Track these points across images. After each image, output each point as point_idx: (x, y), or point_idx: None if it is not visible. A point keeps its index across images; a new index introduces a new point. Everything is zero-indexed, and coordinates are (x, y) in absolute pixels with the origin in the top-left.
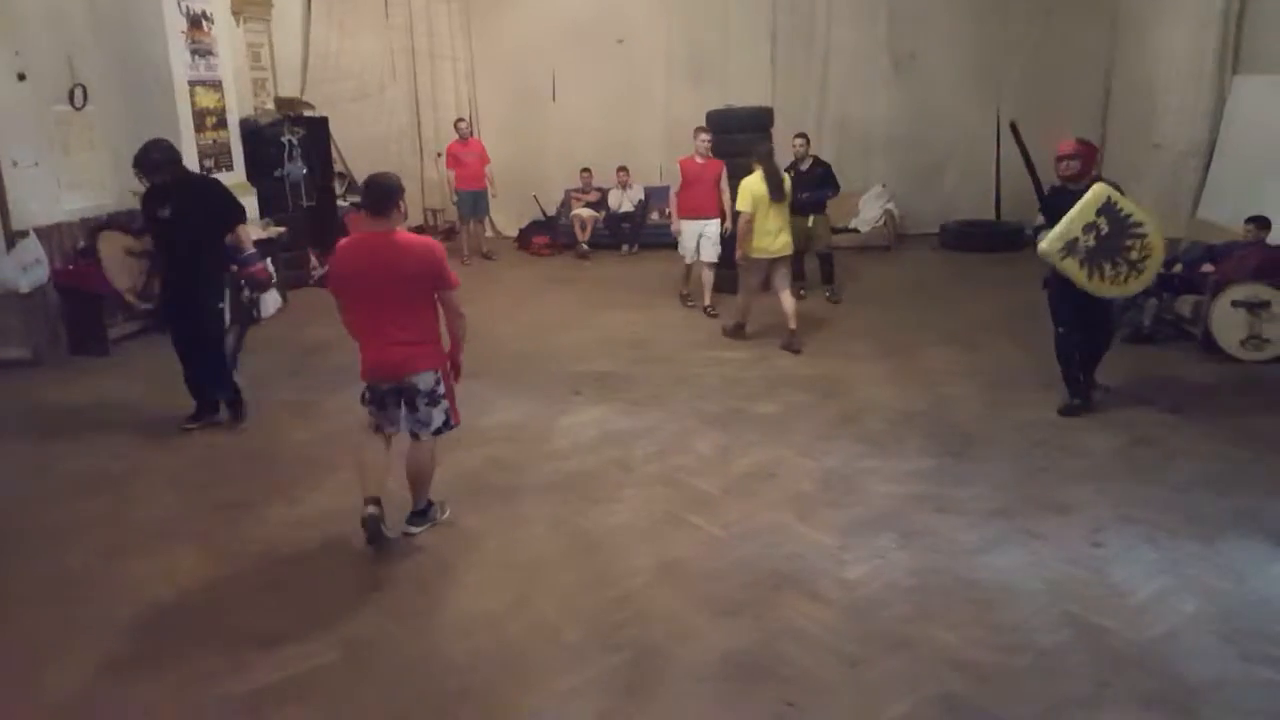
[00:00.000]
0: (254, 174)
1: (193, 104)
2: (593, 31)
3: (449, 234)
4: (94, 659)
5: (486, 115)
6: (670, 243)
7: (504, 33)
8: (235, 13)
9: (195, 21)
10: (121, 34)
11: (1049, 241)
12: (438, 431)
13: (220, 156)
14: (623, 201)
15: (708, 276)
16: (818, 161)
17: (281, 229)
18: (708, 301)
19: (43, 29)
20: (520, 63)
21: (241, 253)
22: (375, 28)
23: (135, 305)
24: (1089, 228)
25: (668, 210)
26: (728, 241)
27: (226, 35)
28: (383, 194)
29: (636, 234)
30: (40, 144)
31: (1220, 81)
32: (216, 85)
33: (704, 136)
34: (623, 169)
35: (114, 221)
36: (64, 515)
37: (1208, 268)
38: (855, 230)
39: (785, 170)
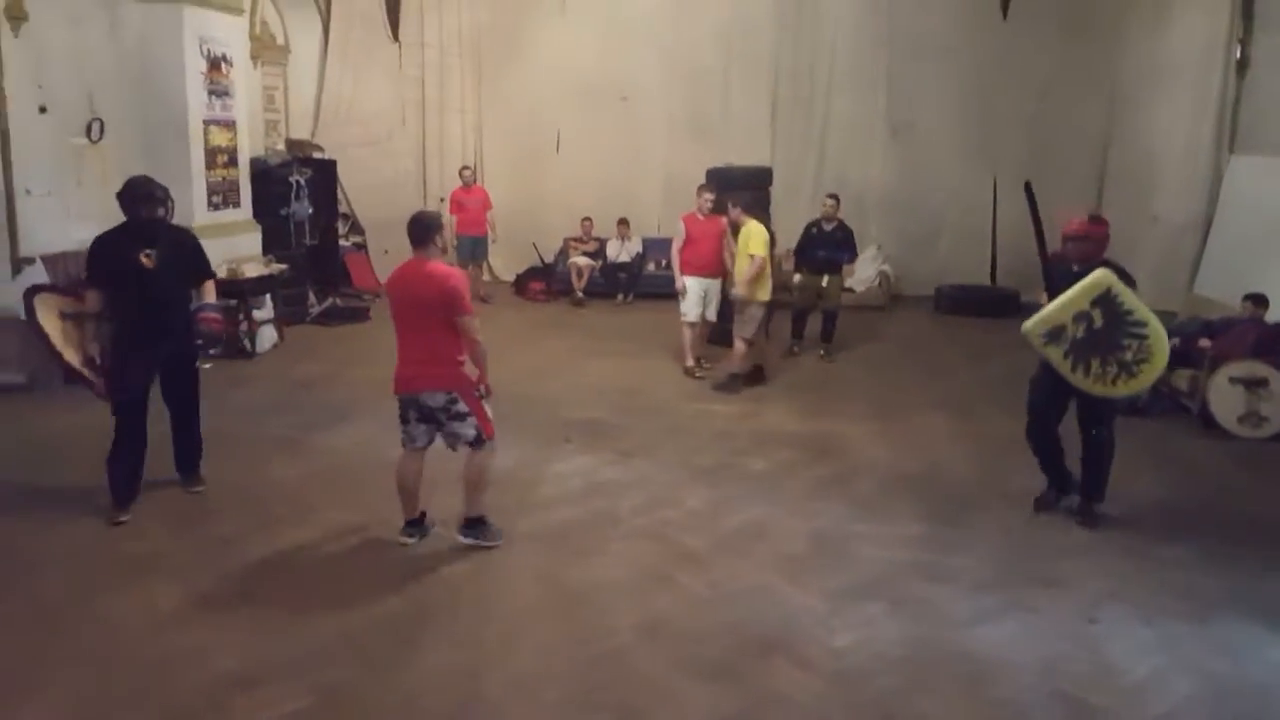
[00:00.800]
0: (260, 211)
1: (206, 142)
2: (598, 88)
3: None
4: (69, 694)
5: (491, 165)
6: (664, 293)
7: (512, 87)
8: (253, 56)
9: (215, 63)
10: (142, 72)
11: (1033, 322)
12: (473, 444)
13: (229, 193)
14: (621, 252)
15: (702, 333)
16: (841, 225)
17: (283, 266)
18: (694, 359)
19: (66, 64)
20: (526, 116)
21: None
22: (388, 77)
23: (95, 382)
24: (1080, 317)
25: (665, 261)
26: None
27: (243, 77)
28: (422, 227)
29: (632, 284)
30: (55, 174)
31: (1217, 159)
32: (230, 125)
33: (707, 195)
34: (623, 221)
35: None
36: (46, 545)
37: (1204, 342)
38: (850, 290)
39: (809, 227)
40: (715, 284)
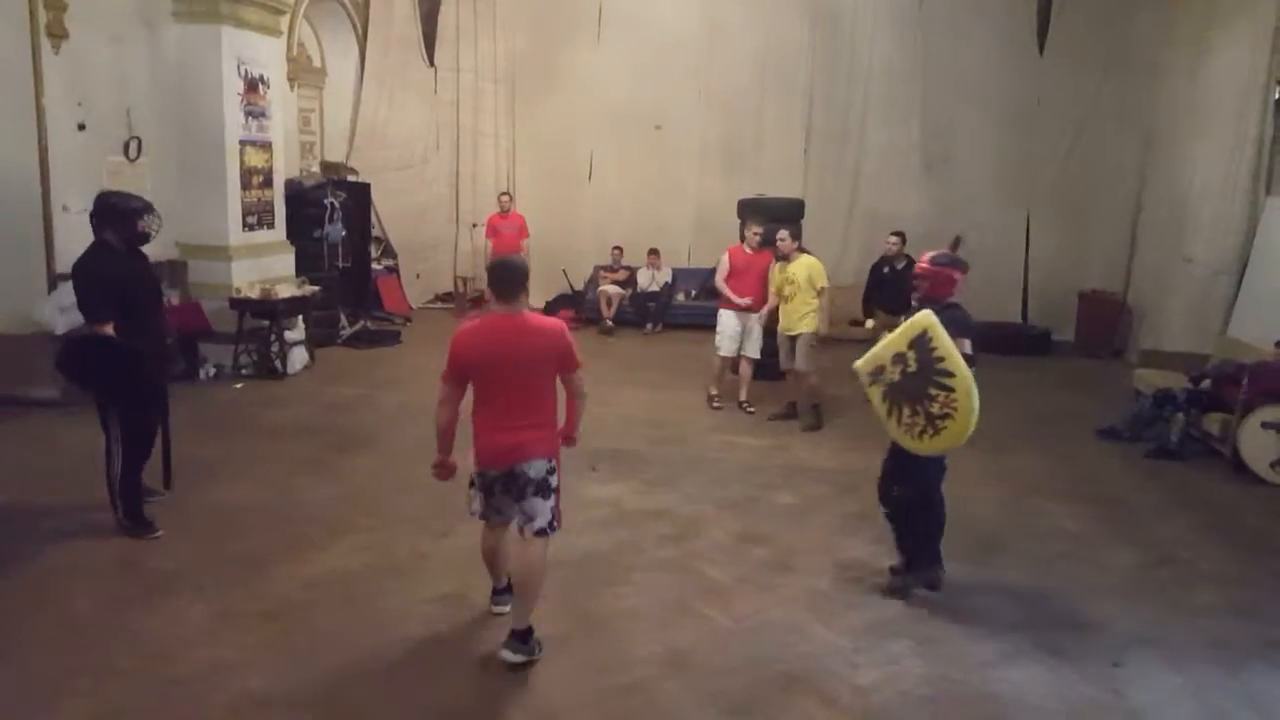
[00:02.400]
0: (294, 233)
1: (242, 163)
2: (632, 117)
3: (478, 302)
4: (96, 708)
5: (524, 191)
6: (693, 324)
7: (547, 114)
8: (291, 79)
9: (252, 85)
10: (180, 91)
11: (863, 360)
12: (541, 532)
13: (263, 214)
14: (651, 282)
15: (746, 372)
16: (911, 262)
17: (315, 288)
18: (744, 397)
19: (106, 82)
20: (560, 143)
21: None
22: (423, 102)
23: None
24: (898, 359)
25: (694, 291)
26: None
27: (280, 99)
28: (515, 277)
29: (662, 313)
30: (92, 192)
31: (1254, 200)
32: (266, 146)
33: (755, 228)
34: (654, 251)
35: None
36: (76, 560)
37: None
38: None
39: (878, 267)
40: (754, 319)
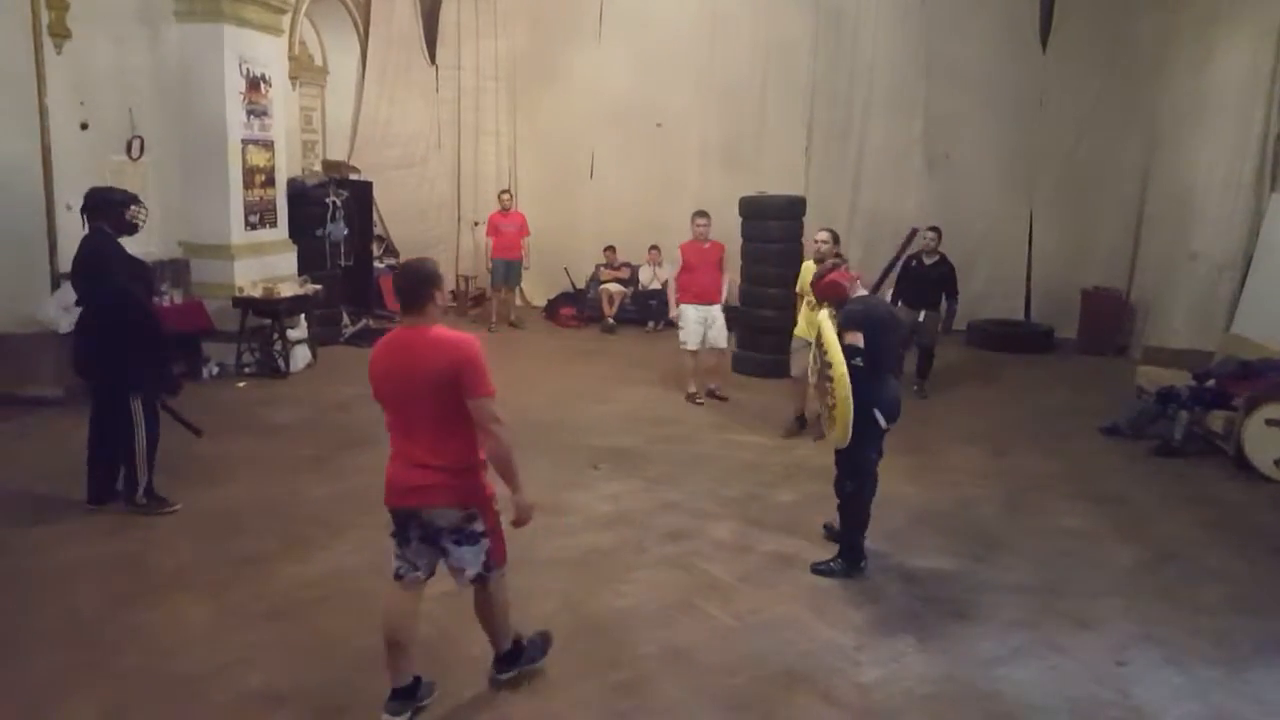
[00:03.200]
0: (296, 232)
1: (244, 161)
2: (632, 115)
3: (479, 300)
4: (99, 707)
5: (525, 189)
6: None
7: (548, 112)
8: (292, 77)
9: (254, 84)
10: (183, 91)
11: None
12: (479, 579)
13: (265, 213)
14: (653, 279)
15: (711, 361)
16: (943, 261)
17: (318, 286)
18: (713, 385)
19: (108, 81)
20: (561, 141)
21: None
22: (424, 100)
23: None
24: (816, 358)
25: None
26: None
27: (282, 98)
28: (416, 282)
29: (664, 311)
30: None
31: (1258, 197)
32: (268, 145)
33: (700, 220)
34: (654, 248)
35: None
36: (80, 557)
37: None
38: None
39: (909, 260)
40: (716, 309)
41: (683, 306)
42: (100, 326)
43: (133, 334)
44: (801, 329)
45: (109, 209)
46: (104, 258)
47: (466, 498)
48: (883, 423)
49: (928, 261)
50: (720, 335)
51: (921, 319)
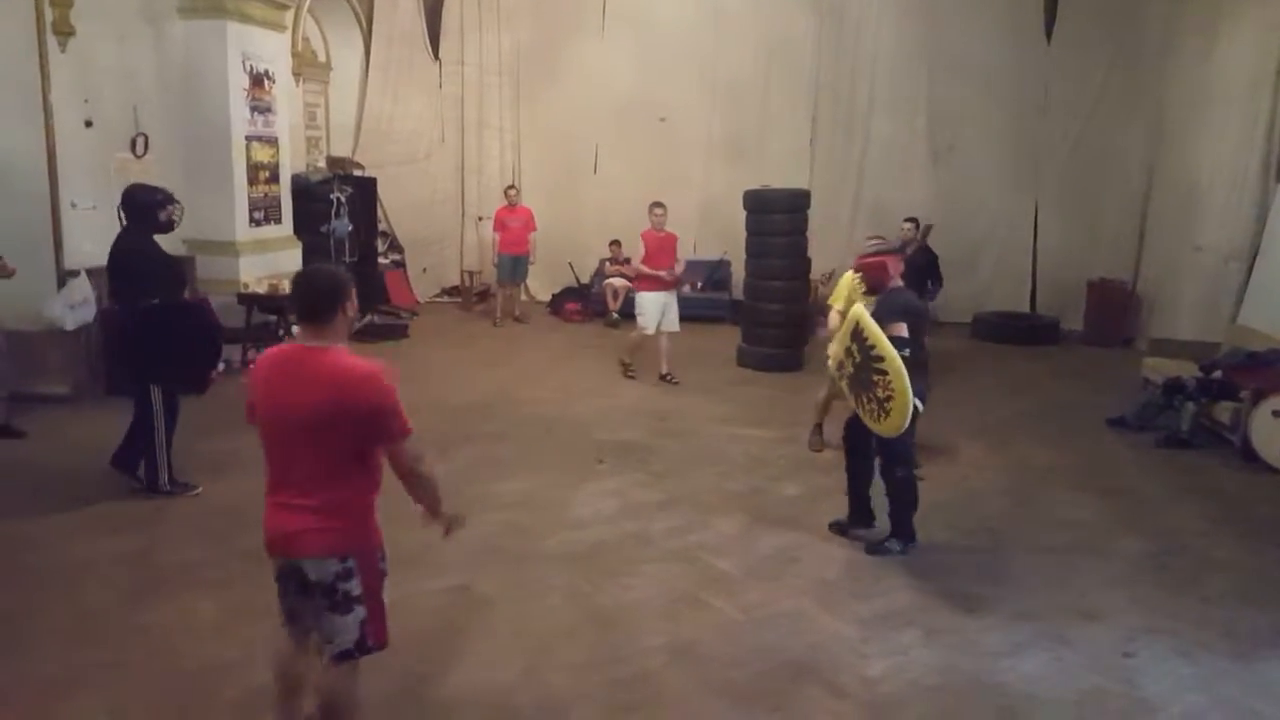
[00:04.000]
0: (300, 228)
1: (248, 158)
2: (636, 109)
3: (484, 295)
4: (107, 704)
5: (529, 184)
6: (700, 316)
7: (551, 106)
8: (296, 74)
9: (258, 80)
10: (186, 88)
11: (830, 360)
12: (345, 655)
13: (270, 210)
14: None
15: (666, 346)
16: (925, 249)
17: None
18: (666, 370)
19: (112, 79)
20: (565, 135)
21: None
22: (428, 96)
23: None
24: (849, 352)
25: (700, 284)
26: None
27: (286, 95)
28: (318, 294)
29: None
30: (99, 188)
31: (1264, 188)
32: (272, 141)
33: (658, 210)
34: None
35: None
36: (88, 554)
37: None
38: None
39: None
40: (671, 297)
41: (643, 295)
42: (141, 326)
43: (197, 336)
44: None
45: (140, 212)
46: (146, 258)
47: (345, 544)
48: (920, 408)
49: (909, 252)
50: (674, 320)
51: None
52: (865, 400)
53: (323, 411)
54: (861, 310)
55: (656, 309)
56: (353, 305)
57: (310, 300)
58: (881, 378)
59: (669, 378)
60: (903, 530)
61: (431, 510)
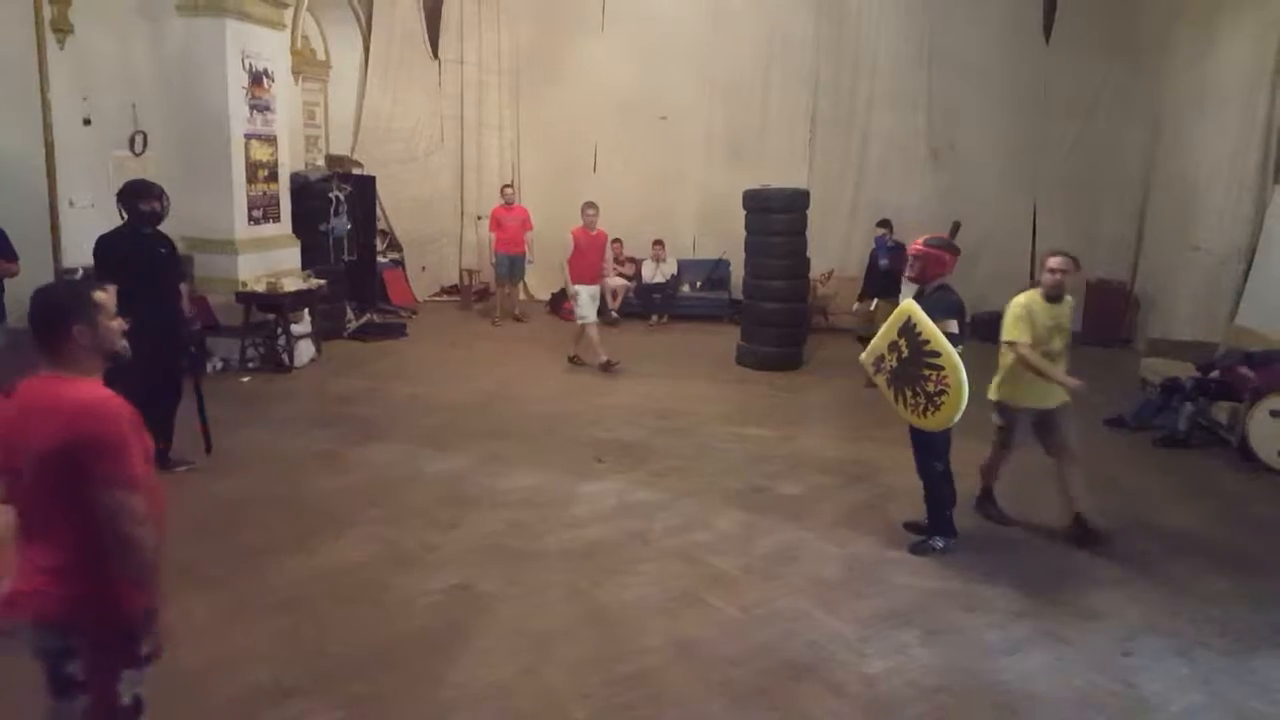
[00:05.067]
0: (299, 226)
1: (247, 156)
2: (636, 108)
3: (483, 294)
4: None
5: (528, 183)
6: (699, 314)
7: (551, 105)
8: (295, 72)
9: (257, 78)
10: (185, 86)
11: (865, 353)
12: None
13: (269, 208)
14: (656, 273)
15: (597, 334)
16: (900, 248)
17: (321, 281)
18: (605, 357)
19: (110, 77)
20: (564, 134)
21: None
22: (427, 94)
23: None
24: (893, 346)
25: (699, 283)
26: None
27: (285, 93)
28: (43, 317)
29: (667, 305)
30: (98, 186)
31: (1262, 188)
32: (271, 140)
33: (590, 210)
34: (658, 242)
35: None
36: None
37: (1244, 370)
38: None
39: (875, 256)
40: (598, 289)
41: (577, 286)
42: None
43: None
44: (1025, 393)
45: (123, 200)
46: (105, 249)
47: (66, 614)
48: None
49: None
50: (606, 308)
51: (874, 308)
52: (910, 395)
53: (45, 451)
54: (914, 305)
55: (591, 300)
56: (91, 330)
57: (33, 325)
58: (935, 372)
59: (610, 364)
60: (944, 526)
61: (137, 586)
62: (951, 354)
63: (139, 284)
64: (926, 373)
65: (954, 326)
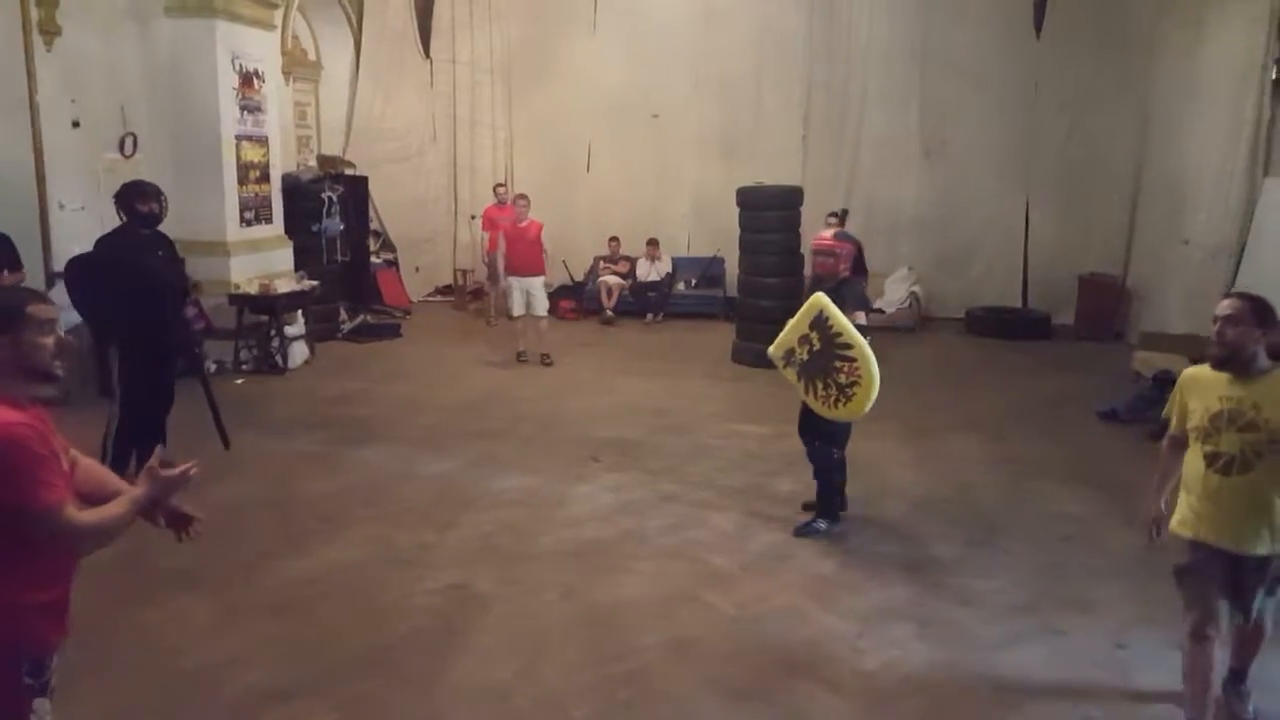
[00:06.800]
0: (292, 228)
1: (238, 157)
2: (629, 106)
3: (476, 294)
4: (101, 706)
5: (522, 182)
6: (694, 313)
7: (544, 104)
8: (286, 72)
9: (247, 79)
10: (175, 87)
11: (773, 346)
12: None
13: (261, 209)
14: (650, 272)
15: (545, 328)
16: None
17: (314, 282)
18: (544, 350)
19: (100, 79)
20: (558, 133)
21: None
22: (419, 94)
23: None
24: (803, 340)
25: (694, 281)
26: None
27: (275, 93)
28: None
29: (662, 304)
30: (88, 189)
31: (1252, 182)
32: (262, 141)
33: (521, 201)
34: (652, 241)
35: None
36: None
37: None
38: (880, 311)
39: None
40: (536, 281)
41: (509, 279)
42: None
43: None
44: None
45: (118, 202)
46: (96, 253)
47: None
48: None
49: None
50: (541, 305)
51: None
52: (821, 386)
53: None
54: (824, 298)
55: (520, 294)
56: (16, 343)
57: None
58: (847, 364)
59: (545, 358)
60: (831, 510)
61: (46, 617)
62: (863, 345)
63: (131, 287)
64: (839, 364)
65: (863, 318)
